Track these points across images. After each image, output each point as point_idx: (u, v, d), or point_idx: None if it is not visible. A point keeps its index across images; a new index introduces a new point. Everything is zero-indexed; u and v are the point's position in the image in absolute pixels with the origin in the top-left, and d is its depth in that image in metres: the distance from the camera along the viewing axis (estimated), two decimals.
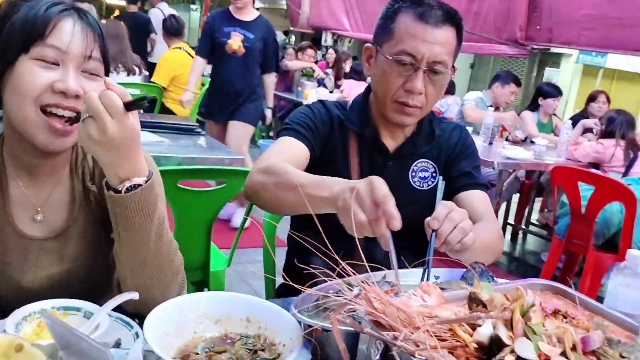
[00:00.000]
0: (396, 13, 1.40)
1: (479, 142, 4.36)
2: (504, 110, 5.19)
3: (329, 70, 7.72)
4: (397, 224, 1.02)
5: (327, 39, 10.21)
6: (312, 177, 1.22)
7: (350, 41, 10.66)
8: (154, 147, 2.52)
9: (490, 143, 4.41)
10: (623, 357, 0.80)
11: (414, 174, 1.54)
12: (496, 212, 5.03)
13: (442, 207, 1.14)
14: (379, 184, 1.05)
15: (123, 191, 1.00)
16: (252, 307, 1.07)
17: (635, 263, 1.23)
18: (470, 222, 1.14)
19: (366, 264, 0.86)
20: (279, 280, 1.85)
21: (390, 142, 1.52)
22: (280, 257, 1.69)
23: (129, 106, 0.96)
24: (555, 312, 0.87)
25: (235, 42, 4.11)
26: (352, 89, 6.10)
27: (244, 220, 2.29)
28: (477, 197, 1.52)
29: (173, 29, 5.03)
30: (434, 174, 1.55)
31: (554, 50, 11.08)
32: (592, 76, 13.82)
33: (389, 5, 1.44)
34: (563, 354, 0.74)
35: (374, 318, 0.81)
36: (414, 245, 1.30)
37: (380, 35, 1.44)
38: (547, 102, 5.26)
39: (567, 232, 3.45)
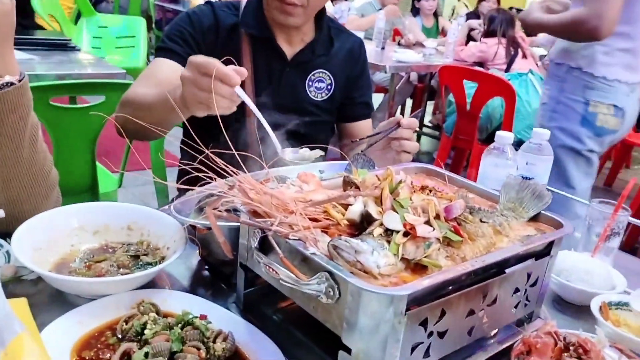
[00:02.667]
0: None
1: (371, 46, 4.40)
2: None
3: None
4: (236, 77, 1.01)
5: None
6: (156, 93, 1.20)
7: None
8: (22, 66, 2.28)
9: (383, 48, 4.45)
10: (483, 221, 0.87)
11: (310, 83, 1.51)
12: (391, 115, 5.19)
13: (415, 121, 1.24)
14: (195, 58, 1.03)
15: None
16: (133, 215, 1.04)
17: (502, 143, 1.32)
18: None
19: (234, 152, 0.85)
20: (174, 194, 1.82)
21: (288, 48, 1.46)
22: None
23: None
24: (423, 188, 0.92)
25: None
26: None
27: (131, 140, 2.18)
28: (367, 125, 1.62)
29: None
30: (329, 87, 1.53)
31: None
32: None
33: None
34: (428, 222, 0.79)
35: (250, 208, 0.81)
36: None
37: None
38: (421, 4, 5.30)
39: (454, 129, 3.64)
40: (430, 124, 5.74)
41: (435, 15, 5.52)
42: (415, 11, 5.41)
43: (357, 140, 1.35)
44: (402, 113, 5.56)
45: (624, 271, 1.14)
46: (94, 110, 1.91)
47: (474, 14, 5.66)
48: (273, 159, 1.09)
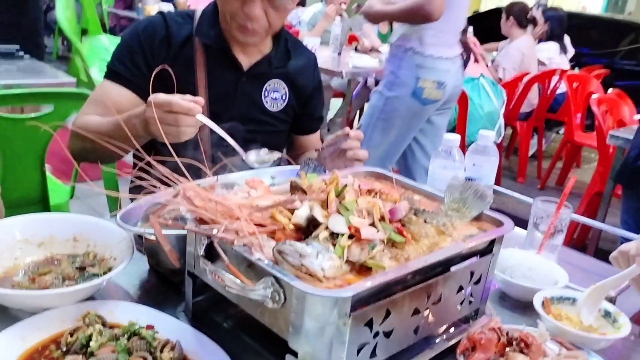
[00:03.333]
0: None
1: (328, 52, 4.43)
2: None
3: None
4: (196, 107, 1.10)
5: None
6: (113, 122, 1.23)
7: None
8: None
9: (339, 53, 4.49)
10: (427, 222, 0.89)
11: (266, 93, 1.50)
12: (351, 121, 5.22)
13: (360, 133, 1.31)
14: (155, 98, 1.09)
15: None
16: (79, 225, 1.03)
17: (450, 146, 1.36)
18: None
19: (177, 159, 0.85)
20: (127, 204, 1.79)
21: (244, 59, 1.45)
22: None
23: None
24: (370, 191, 0.93)
25: None
26: (199, 3, 5.77)
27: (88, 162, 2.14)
28: (317, 136, 1.70)
29: None
30: (284, 97, 1.52)
31: None
32: None
33: None
34: (372, 224, 0.81)
35: (196, 215, 0.81)
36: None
37: None
38: None
39: None
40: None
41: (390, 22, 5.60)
42: None
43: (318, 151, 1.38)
44: (360, 117, 5.62)
45: (569, 267, 1.19)
46: (43, 120, 1.86)
47: None
48: (237, 164, 1.16)
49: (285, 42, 1.53)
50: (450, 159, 1.33)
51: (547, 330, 0.93)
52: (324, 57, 4.19)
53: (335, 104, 5.23)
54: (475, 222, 0.97)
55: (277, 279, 0.70)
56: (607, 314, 1.00)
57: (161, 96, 1.08)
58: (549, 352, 0.88)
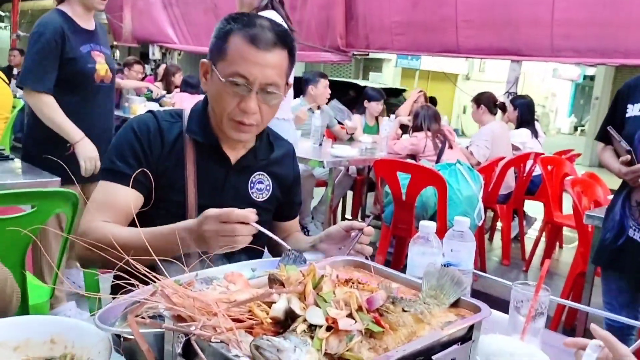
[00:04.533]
0: (228, 34, 1.39)
1: (309, 143, 4.57)
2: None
3: (158, 84, 7.49)
4: (252, 215, 1.22)
5: (154, 52, 9.86)
6: (151, 236, 1.24)
7: (179, 54, 10.42)
8: None
9: (320, 144, 4.63)
10: (405, 310, 0.90)
11: (252, 185, 1.57)
12: (334, 208, 5.28)
13: (372, 231, 1.45)
14: (211, 212, 1.21)
15: None
16: (56, 327, 1.01)
17: (427, 232, 1.39)
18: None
19: (156, 258, 0.86)
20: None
21: (232, 153, 1.53)
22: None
23: None
24: (347, 281, 0.95)
25: (102, 65, 2.96)
26: (184, 102, 5.99)
27: (65, 240, 2.13)
28: (296, 222, 1.79)
29: None
30: (268, 187, 1.60)
31: (375, 55, 11.94)
32: (410, 78, 15.40)
33: (222, 25, 1.42)
34: (350, 315, 0.82)
35: (174, 313, 0.81)
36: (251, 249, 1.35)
37: (215, 54, 1.41)
38: (371, 105, 5.74)
39: (393, 218, 3.75)
40: (371, 214, 5.88)
41: (376, 117, 6.01)
42: (363, 110, 5.88)
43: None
44: (344, 204, 5.70)
45: (553, 350, 1.18)
46: (25, 220, 1.87)
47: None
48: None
49: (267, 135, 1.62)
50: (428, 246, 1.36)
51: None
52: (306, 148, 4.33)
53: (318, 192, 5.32)
54: (454, 308, 0.98)
55: None
56: None
57: (215, 210, 1.20)
58: None
